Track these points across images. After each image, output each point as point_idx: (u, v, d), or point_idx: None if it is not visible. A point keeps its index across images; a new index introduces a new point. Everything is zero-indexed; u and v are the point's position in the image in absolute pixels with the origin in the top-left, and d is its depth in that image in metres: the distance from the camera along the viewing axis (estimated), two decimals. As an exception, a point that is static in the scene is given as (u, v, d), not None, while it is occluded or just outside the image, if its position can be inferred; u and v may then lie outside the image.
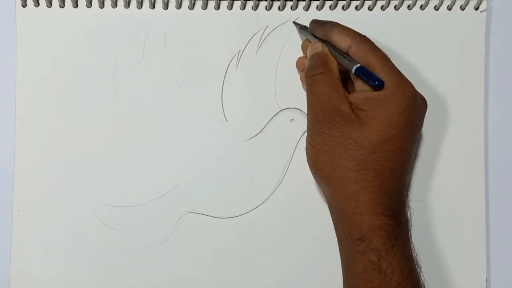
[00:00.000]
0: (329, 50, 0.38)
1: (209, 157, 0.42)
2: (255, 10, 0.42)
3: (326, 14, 0.42)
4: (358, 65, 0.35)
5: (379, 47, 0.37)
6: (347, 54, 0.37)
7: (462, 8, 0.43)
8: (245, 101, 0.42)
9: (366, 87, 0.36)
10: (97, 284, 0.42)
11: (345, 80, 0.39)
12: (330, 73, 0.37)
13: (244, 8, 0.42)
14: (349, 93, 0.38)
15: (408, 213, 0.37)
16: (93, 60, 0.42)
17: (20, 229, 0.41)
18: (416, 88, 0.37)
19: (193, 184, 0.42)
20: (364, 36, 0.37)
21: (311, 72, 0.37)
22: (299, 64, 0.41)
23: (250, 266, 0.42)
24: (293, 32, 0.42)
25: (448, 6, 0.43)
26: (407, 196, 0.37)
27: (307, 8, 0.42)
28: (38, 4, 0.42)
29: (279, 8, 0.42)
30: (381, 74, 0.35)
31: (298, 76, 0.42)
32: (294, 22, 0.42)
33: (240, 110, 0.42)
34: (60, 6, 0.42)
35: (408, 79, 0.36)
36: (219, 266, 0.42)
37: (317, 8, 0.42)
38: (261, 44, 0.42)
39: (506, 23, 0.44)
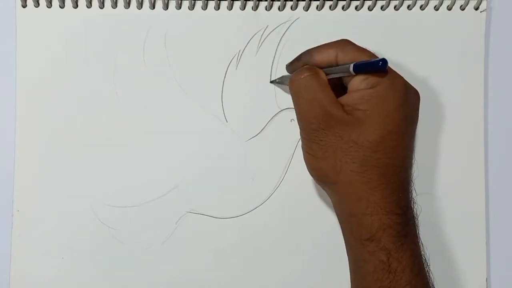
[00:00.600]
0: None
1: (209, 157, 0.42)
2: (255, 10, 0.42)
3: (326, 14, 0.42)
4: (353, 63, 0.34)
5: (380, 47, 0.37)
6: (336, 64, 0.36)
7: (462, 8, 0.43)
8: (245, 101, 0.42)
9: (361, 85, 0.35)
10: (97, 284, 0.42)
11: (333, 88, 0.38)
12: (318, 75, 0.36)
13: (244, 8, 0.42)
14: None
15: (415, 210, 0.36)
16: (93, 60, 0.42)
17: (20, 229, 0.41)
18: (416, 88, 0.37)
19: (193, 184, 0.42)
20: (344, 40, 0.37)
21: (297, 76, 0.36)
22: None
23: (250, 266, 0.42)
24: (293, 32, 0.42)
25: (448, 6, 0.43)
26: (412, 192, 0.36)
27: (307, 8, 0.42)
28: (38, 4, 0.42)
29: (279, 8, 0.42)
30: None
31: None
32: (271, 81, 0.42)
33: (240, 110, 0.42)
34: (60, 7, 0.42)
35: (407, 79, 0.36)
36: (219, 266, 0.42)
37: (317, 8, 0.43)
38: (261, 44, 0.42)
39: (506, 23, 0.44)
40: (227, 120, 0.42)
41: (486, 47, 0.43)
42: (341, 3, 0.42)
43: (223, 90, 0.42)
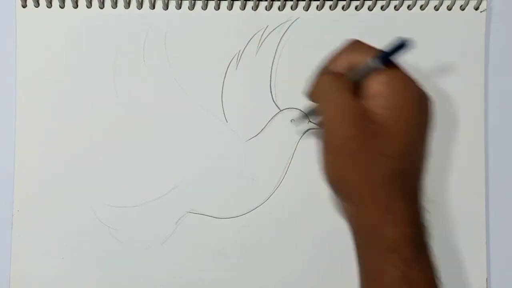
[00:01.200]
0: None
1: (209, 157, 0.42)
2: (255, 10, 0.42)
3: (326, 14, 0.42)
4: (375, 57, 0.32)
5: (380, 47, 0.36)
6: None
7: (462, 8, 0.43)
8: (245, 101, 0.42)
9: (378, 90, 0.33)
10: (97, 284, 0.42)
11: None
12: (343, 78, 0.34)
13: (244, 8, 0.42)
14: None
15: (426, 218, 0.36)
16: (93, 60, 0.42)
17: (20, 229, 0.41)
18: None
19: (193, 184, 0.42)
20: (350, 41, 0.36)
21: (321, 78, 0.35)
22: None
23: (250, 266, 0.42)
24: (293, 32, 0.42)
25: (448, 6, 0.43)
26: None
27: (307, 8, 0.42)
28: (38, 4, 0.42)
29: (279, 8, 0.42)
30: (388, 74, 0.33)
31: (299, 75, 0.42)
32: (292, 120, 0.42)
33: (240, 110, 0.42)
34: (60, 7, 0.42)
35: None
36: (219, 266, 0.42)
37: (317, 8, 0.43)
38: (261, 44, 0.42)
39: (506, 23, 0.44)
40: (227, 120, 0.42)
41: (486, 47, 0.43)
42: (341, 3, 0.42)
43: (223, 90, 0.42)
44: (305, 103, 0.42)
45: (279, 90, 0.42)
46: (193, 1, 0.42)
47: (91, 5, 0.42)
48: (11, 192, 0.41)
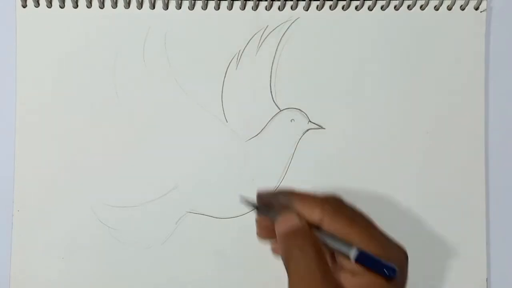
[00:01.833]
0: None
1: (209, 157, 0.42)
2: (255, 10, 0.42)
3: (326, 14, 0.42)
4: (356, 249, 0.28)
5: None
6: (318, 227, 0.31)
7: (462, 8, 0.43)
8: (245, 101, 0.42)
9: (351, 267, 0.29)
10: (97, 284, 0.42)
11: None
12: (314, 239, 0.30)
13: (244, 8, 0.42)
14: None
15: None
16: (93, 60, 0.42)
17: (20, 229, 0.41)
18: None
19: (193, 184, 0.42)
20: (335, 199, 0.32)
21: (290, 232, 0.31)
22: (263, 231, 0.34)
23: (250, 266, 0.42)
24: (293, 32, 0.42)
25: (448, 6, 0.43)
26: None
27: (307, 8, 0.42)
28: (38, 4, 0.42)
29: (279, 8, 0.42)
30: (371, 247, 0.29)
31: (299, 75, 0.42)
32: (243, 199, 0.35)
33: (240, 110, 0.42)
34: (60, 7, 0.42)
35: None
36: (219, 266, 0.42)
37: (317, 8, 0.42)
38: (261, 44, 0.42)
39: (506, 23, 0.44)
40: (227, 120, 0.42)
41: (486, 47, 0.43)
42: (341, 3, 0.42)
43: (223, 90, 0.42)
44: (305, 103, 0.42)
45: (279, 90, 0.42)
46: (193, 1, 0.42)
47: (91, 5, 0.42)
48: (11, 192, 0.41)
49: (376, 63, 0.43)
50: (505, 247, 0.43)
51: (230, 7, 0.42)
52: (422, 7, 0.43)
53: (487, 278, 0.43)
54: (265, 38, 0.42)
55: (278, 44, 0.42)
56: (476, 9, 0.43)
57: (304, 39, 0.42)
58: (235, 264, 0.42)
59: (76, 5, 0.42)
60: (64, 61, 0.42)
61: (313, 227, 0.31)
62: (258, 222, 0.34)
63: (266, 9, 0.42)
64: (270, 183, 0.42)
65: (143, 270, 0.42)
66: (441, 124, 0.43)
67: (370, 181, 0.42)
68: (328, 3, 0.42)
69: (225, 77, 0.42)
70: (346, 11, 0.43)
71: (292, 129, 0.42)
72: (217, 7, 0.42)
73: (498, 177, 0.44)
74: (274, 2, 0.42)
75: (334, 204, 0.31)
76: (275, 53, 0.42)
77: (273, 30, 0.42)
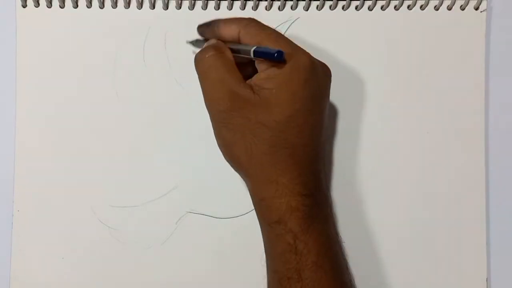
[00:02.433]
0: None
1: (209, 157, 0.42)
2: (255, 10, 0.42)
3: (326, 14, 0.42)
4: (254, 46, 0.33)
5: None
6: (239, 43, 0.35)
7: (462, 8, 0.43)
8: (245, 101, 0.42)
9: (267, 64, 0.34)
10: (97, 284, 0.42)
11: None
12: (223, 55, 0.34)
13: (244, 8, 0.42)
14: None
15: (329, 191, 0.36)
16: (93, 60, 0.42)
17: (20, 229, 0.41)
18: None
19: (193, 184, 0.42)
20: (250, 18, 0.36)
21: (202, 55, 0.35)
22: None
23: (250, 266, 0.42)
24: (293, 32, 0.42)
25: (448, 6, 0.43)
26: (324, 171, 0.36)
27: (307, 8, 0.42)
28: (38, 4, 0.42)
29: (279, 8, 0.42)
30: (276, 47, 0.33)
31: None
32: (188, 42, 0.41)
33: (240, 110, 0.42)
34: (60, 7, 0.42)
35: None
36: (219, 266, 0.42)
37: (317, 8, 0.43)
38: (261, 44, 0.42)
39: (506, 23, 0.44)
40: (227, 120, 0.42)
41: (487, 47, 0.43)
42: (341, 3, 0.42)
43: (223, 90, 0.42)
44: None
45: (279, 90, 0.42)
46: (193, 1, 0.42)
47: (91, 5, 0.42)
48: (11, 192, 0.41)
49: (376, 63, 0.43)
50: (505, 247, 0.43)
51: (230, 7, 0.42)
52: (422, 7, 0.43)
53: (487, 278, 0.43)
54: (265, 38, 0.42)
55: (278, 44, 0.42)
56: (476, 9, 0.43)
57: (304, 39, 0.42)
58: (235, 264, 0.42)
59: (76, 5, 0.42)
60: (64, 61, 0.42)
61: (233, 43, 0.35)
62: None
63: (266, 9, 0.42)
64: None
65: (143, 270, 0.42)
66: (441, 124, 0.43)
67: (370, 181, 0.42)
68: (328, 3, 0.42)
69: (225, 77, 0.42)
70: (346, 11, 0.43)
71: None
72: (217, 7, 0.42)
73: (498, 177, 0.44)
74: (274, 2, 0.42)
75: (250, 19, 0.35)
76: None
77: (273, 30, 0.42)
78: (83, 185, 0.42)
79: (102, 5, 0.42)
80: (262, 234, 0.36)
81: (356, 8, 0.43)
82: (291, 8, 0.42)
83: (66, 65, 0.42)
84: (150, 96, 0.42)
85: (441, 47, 0.43)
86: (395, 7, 0.43)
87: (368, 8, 0.43)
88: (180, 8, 0.42)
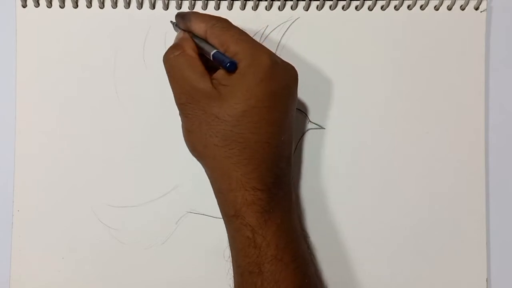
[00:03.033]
0: (192, 39, 0.37)
1: (209, 157, 0.42)
2: (255, 10, 0.42)
3: (326, 14, 0.42)
4: (214, 50, 0.35)
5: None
6: (206, 40, 0.36)
7: (462, 8, 0.43)
8: (245, 101, 0.42)
9: None
10: (97, 284, 0.42)
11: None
12: (184, 53, 0.36)
13: (244, 8, 0.42)
14: None
15: (291, 186, 0.36)
16: (93, 60, 0.42)
17: (20, 229, 0.41)
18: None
19: (193, 184, 0.42)
20: (219, 17, 0.37)
21: (167, 56, 0.37)
22: None
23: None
24: (293, 32, 0.42)
25: (448, 6, 0.43)
26: (287, 168, 0.36)
27: (307, 8, 0.42)
28: (38, 4, 0.42)
29: (279, 8, 0.42)
30: (236, 48, 0.35)
31: (298, 75, 0.42)
32: (171, 22, 0.41)
33: (240, 110, 0.42)
34: (60, 7, 0.42)
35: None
36: (220, 266, 0.42)
37: (317, 8, 0.43)
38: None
39: (506, 23, 0.44)
40: (227, 120, 0.42)
41: (486, 47, 0.43)
42: (341, 3, 0.42)
43: (223, 90, 0.42)
44: (305, 103, 0.42)
45: (279, 90, 0.42)
46: (193, 2, 0.42)
47: (91, 5, 0.42)
48: (11, 192, 0.41)
49: (376, 63, 0.43)
50: (505, 247, 0.43)
51: (230, 7, 0.42)
52: (422, 7, 0.43)
53: (487, 278, 0.43)
54: (265, 38, 0.42)
55: (278, 44, 0.42)
56: (476, 9, 0.43)
57: (304, 39, 0.42)
58: (235, 264, 0.42)
59: (76, 5, 0.42)
60: (64, 61, 0.42)
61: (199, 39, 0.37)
62: None
63: (266, 9, 0.42)
64: (270, 183, 0.42)
65: (143, 270, 0.42)
66: (441, 124, 0.43)
67: (370, 181, 0.42)
68: (328, 3, 0.42)
69: (225, 77, 0.42)
70: (346, 11, 0.43)
71: (292, 128, 0.42)
72: (217, 7, 0.42)
73: (498, 177, 0.44)
74: (274, 2, 0.42)
75: (218, 19, 0.36)
76: (275, 52, 0.42)
77: (273, 30, 0.42)
78: (83, 185, 0.42)
79: (102, 5, 0.42)
80: (225, 228, 0.36)
81: (356, 8, 0.43)
82: (291, 8, 0.42)
83: (66, 65, 0.42)
84: (150, 96, 0.42)
85: (441, 47, 0.43)
86: (395, 7, 0.43)
87: (368, 8, 0.43)
88: (180, 8, 0.42)
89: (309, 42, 0.42)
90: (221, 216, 0.40)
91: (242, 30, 0.36)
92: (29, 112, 0.42)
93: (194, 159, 0.42)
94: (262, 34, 0.42)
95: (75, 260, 0.42)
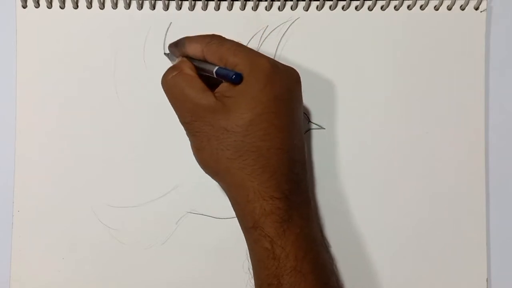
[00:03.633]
0: (190, 61, 0.37)
1: (209, 157, 0.42)
2: (255, 10, 0.42)
3: (326, 14, 0.43)
4: (216, 67, 0.35)
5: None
6: (205, 61, 0.36)
7: (462, 8, 0.43)
8: (245, 101, 0.42)
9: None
10: (97, 285, 0.42)
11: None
12: (182, 73, 0.36)
13: (244, 9, 0.42)
14: None
15: (309, 193, 0.36)
16: (93, 60, 0.42)
17: (20, 229, 0.41)
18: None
19: (193, 185, 0.42)
20: (212, 35, 0.36)
21: (165, 78, 0.37)
22: None
23: (250, 266, 0.42)
24: (293, 32, 0.42)
25: (448, 6, 0.43)
26: (303, 173, 0.36)
27: (307, 8, 0.42)
28: (39, 5, 0.42)
29: (279, 8, 0.42)
30: (235, 59, 0.34)
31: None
32: (165, 53, 0.42)
33: (240, 110, 0.42)
34: (61, 7, 0.42)
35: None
36: (219, 266, 0.42)
37: (317, 8, 0.43)
38: (261, 44, 0.42)
39: (506, 23, 0.44)
40: (227, 120, 0.42)
41: (486, 47, 0.43)
42: (341, 3, 0.42)
43: (223, 90, 0.42)
44: (305, 103, 0.42)
45: (279, 90, 0.42)
46: (193, 2, 0.42)
47: (91, 6, 0.42)
48: (11, 192, 0.41)
49: (376, 63, 0.43)
50: (505, 247, 0.43)
51: (230, 8, 0.42)
52: (422, 7, 0.43)
53: (487, 278, 0.42)
54: (265, 38, 0.42)
55: (278, 44, 0.42)
56: (476, 9, 0.43)
57: (304, 39, 0.42)
58: (235, 264, 0.42)
59: (76, 6, 0.42)
60: (64, 61, 0.42)
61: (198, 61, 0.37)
62: None
63: (266, 9, 0.42)
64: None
65: (143, 270, 0.42)
66: (441, 124, 0.43)
67: (370, 181, 0.42)
68: (328, 3, 0.42)
69: (225, 77, 0.42)
70: (346, 11, 0.43)
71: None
72: (217, 8, 0.42)
73: (498, 177, 0.44)
74: (274, 2, 0.42)
75: (212, 36, 0.36)
76: (275, 53, 0.42)
77: (273, 30, 0.42)
78: (83, 185, 0.42)
79: (102, 6, 0.42)
80: (245, 239, 0.36)
81: (356, 8, 0.43)
82: (291, 8, 0.42)
83: (66, 65, 0.42)
84: (150, 96, 0.42)
85: (441, 47, 0.43)
86: (395, 7, 0.43)
87: (368, 8, 0.43)
88: (180, 9, 0.42)
89: (309, 42, 0.42)
90: (221, 216, 0.40)
91: (237, 42, 0.36)
92: (29, 112, 0.42)
93: (194, 159, 0.42)
94: (262, 34, 0.42)
95: (75, 260, 0.42)
